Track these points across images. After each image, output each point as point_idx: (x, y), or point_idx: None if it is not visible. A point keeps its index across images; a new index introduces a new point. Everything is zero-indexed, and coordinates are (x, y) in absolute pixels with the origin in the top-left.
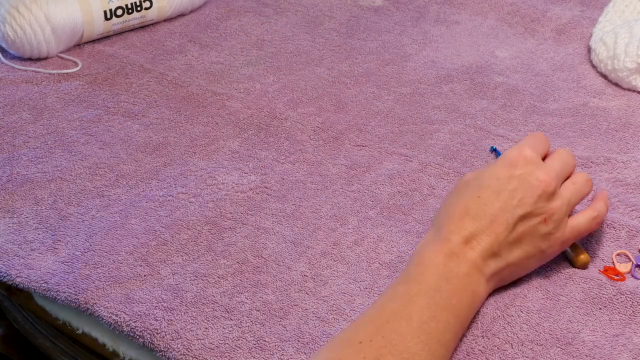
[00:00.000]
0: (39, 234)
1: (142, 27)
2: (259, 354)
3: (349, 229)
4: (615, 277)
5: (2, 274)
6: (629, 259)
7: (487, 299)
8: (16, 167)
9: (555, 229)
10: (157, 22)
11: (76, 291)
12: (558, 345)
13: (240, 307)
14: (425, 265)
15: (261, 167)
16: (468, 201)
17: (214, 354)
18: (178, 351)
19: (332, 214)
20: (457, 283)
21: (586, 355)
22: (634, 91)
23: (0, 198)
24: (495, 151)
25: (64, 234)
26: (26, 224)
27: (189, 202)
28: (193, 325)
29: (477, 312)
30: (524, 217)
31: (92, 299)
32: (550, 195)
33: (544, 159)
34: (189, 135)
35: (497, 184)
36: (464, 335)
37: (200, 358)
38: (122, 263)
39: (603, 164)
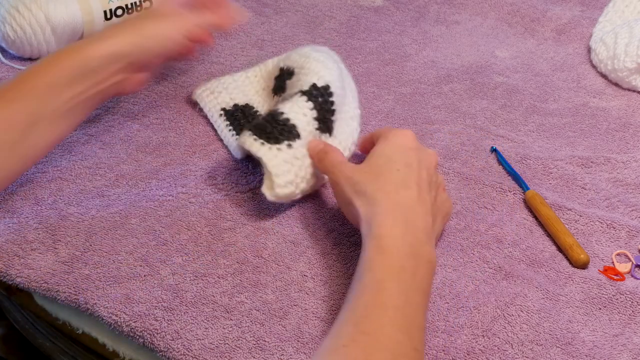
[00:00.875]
0: (39, 234)
1: None
2: (259, 354)
3: (348, 229)
4: (615, 277)
5: (2, 273)
6: (629, 259)
7: (487, 297)
8: None
9: (448, 196)
10: None
11: (76, 291)
12: (558, 345)
13: (240, 307)
14: (386, 246)
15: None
16: (391, 175)
17: (214, 354)
18: (178, 351)
19: (332, 214)
20: (417, 257)
21: (586, 355)
22: (634, 91)
23: (0, 198)
24: (495, 151)
25: (64, 234)
26: (26, 223)
27: (189, 202)
28: (193, 325)
29: (478, 311)
30: (436, 185)
31: (92, 299)
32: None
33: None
34: (189, 135)
35: (405, 158)
36: (464, 335)
37: (200, 358)
38: (122, 263)
39: (603, 164)
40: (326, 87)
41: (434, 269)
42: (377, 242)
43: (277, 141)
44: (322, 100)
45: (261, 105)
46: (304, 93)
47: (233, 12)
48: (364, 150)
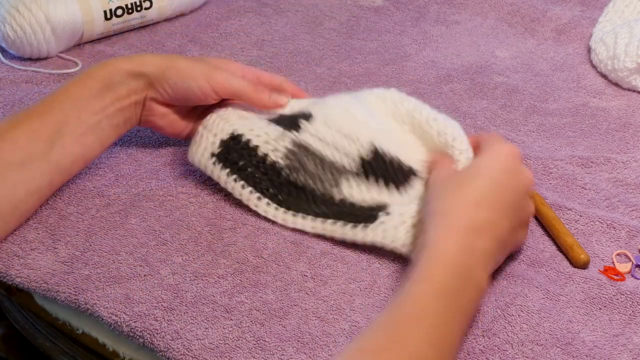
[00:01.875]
0: (38, 234)
1: (142, 27)
2: (259, 354)
3: None
4: (615, 277)
5: (1, 274)
6: (629, 259)
7: (487, 297)
8: None
9: (528, 227)
10: (157, 22)
11: (76, 291)
12: (558, 345)
13: (240, 307)
14: (440, 261)
15: None
16: (473, 191)
17: (214, 354)
18: (178, 351)
19: None
20: (468, 280)
21: (586, 355)
22: (634, 91)
23: None
24: None
25: (63, 234)
26: (26, 224)
27: (189, 202)
28: (193, 325)
29: (478, 311)
30: (523, 213)
31: (92, 299)
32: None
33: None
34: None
35: (498, 176)
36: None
37: (200, 358)
38: (122, 263)
39: (603, 164)
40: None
41: (483, 294)
42: (430, 255)
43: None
44: (379, 168)
45: (252, 132)
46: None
47: (280, 100)
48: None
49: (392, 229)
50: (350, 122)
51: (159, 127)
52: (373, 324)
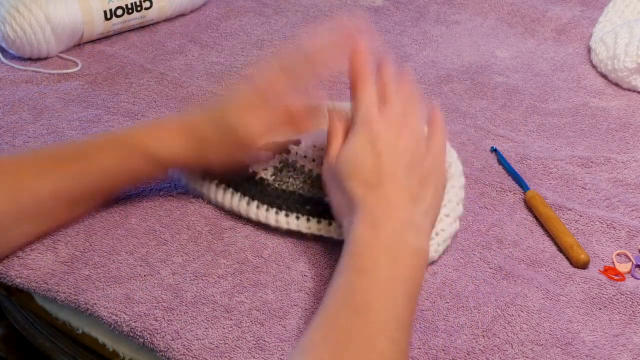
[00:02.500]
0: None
1: (142, 27)
2: (258, 354)
3: None
4: (615, 277)
5: (1, 274)
6: (629, 259)
7: (487, 297)
8: None
9: (428, 149)
10: (157, 22)
11: (76, 291)
12: (558, 345)
13: (240, 307)
14: (358, 248)
15: None
16: (365, 173)
17: (214, 354)
18: (178, 351)
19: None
20: (396, 250)
21: (586, 355)
22: (634, 91)
23: None
24: (495, 151)
25: (63, 234)
26: None
27: (189, 202)
28: (193, 325)
29: (478, 311)
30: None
31: (92, 299)
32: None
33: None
34: None
35: (383, 146)
36: (464, 335)
37: (200, 358)
38: (122, 263)
39: (603, 164)
40: None
41: (423, 257)
42: (350, 248)
43: None
44: None
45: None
46: None
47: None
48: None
49: None
50: None
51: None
52: (312, 323)
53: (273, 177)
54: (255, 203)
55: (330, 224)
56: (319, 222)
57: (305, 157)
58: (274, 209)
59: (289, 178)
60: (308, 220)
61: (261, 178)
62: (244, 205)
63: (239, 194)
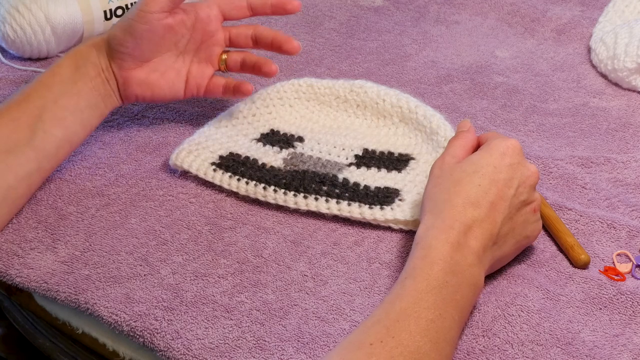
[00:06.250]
0: (38, 233)
1: None
2: (259, 353)
3: (349, 229)
4: (616, 277)
5: (1, 273)
6: (629, 259)
7: (487, 297)
8: None
9: (539, 218)
10: None
11: (76, 291)
12: (558, 345)
13: (240, 306)
14: (432, 258)
15: None
16: (468, 189)
17: (214, 353)
18: (178, 351)
19: (332, 214)
20: (462, 276)
21: (586, 356)
22: (634, 91)
23: None
24: None
25: (63, 234)
26: (25, 223)
27: (189, 202)
28: (193, 325)
29: (478, 311)
30: (520, 206)
31: (92, 299)
32: (535, 185)
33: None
34: (189, 135)
35: (494, 173)
36: (464, 335)
37: (200, 358)
38: (122, 263)
39: (603, 164)
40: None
41: (478, 291)
42: (425, 253)
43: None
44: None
45: (250, 150)
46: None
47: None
48: (466, 154)
49: (411, 205)
50: (338, 137)
51: (148, 97)
52: (370, 317)
53: (284, 164)
54: (272, 187)
55: (349, 204)
56: (337, 202)
57: (312, 150)
58: (292, 192)
59: (299, 162)
60: (327, 201)
61: (272, 167)
62: (260, 191)
63: (253, 182)
